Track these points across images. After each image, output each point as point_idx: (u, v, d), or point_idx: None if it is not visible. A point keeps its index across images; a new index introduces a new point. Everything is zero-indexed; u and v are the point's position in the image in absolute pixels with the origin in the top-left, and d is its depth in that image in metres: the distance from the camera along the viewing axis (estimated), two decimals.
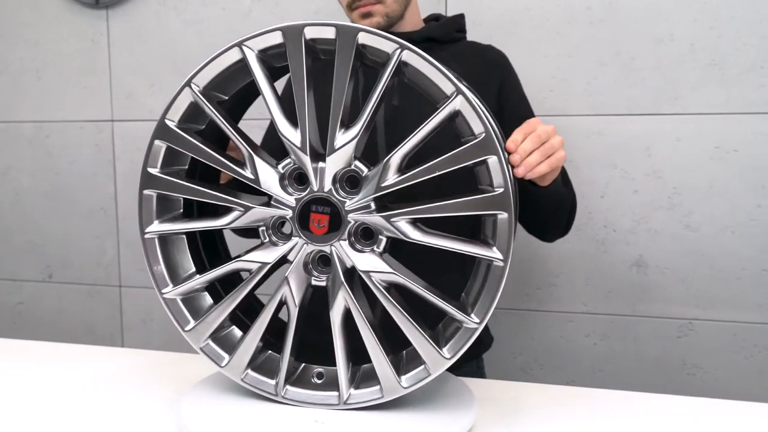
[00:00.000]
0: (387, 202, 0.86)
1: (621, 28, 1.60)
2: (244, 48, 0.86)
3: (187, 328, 0.92)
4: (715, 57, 1.56)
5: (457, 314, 0.83)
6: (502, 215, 0.79)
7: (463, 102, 0.79)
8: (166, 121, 0.90)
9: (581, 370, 1.73)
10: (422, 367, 0.85)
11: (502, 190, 0.79)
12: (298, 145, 0.84)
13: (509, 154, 0.84)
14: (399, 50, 0.80)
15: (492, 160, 0.79)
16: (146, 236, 0.92)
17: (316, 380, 0.91)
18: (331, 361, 0.90)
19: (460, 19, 1.31)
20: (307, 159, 0.84)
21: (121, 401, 0.99)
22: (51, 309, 2.12)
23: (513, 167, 0.84)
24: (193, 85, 0.89)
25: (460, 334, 0.83)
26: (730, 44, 1.55)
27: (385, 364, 0.85)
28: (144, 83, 1.93)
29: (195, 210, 0.98)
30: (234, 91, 0.92)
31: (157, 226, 0.92)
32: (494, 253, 0.81)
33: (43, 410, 0.96)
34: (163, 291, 0.92)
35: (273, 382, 0.90)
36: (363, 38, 0.81)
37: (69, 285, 2.09)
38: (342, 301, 0.85)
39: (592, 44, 1.63)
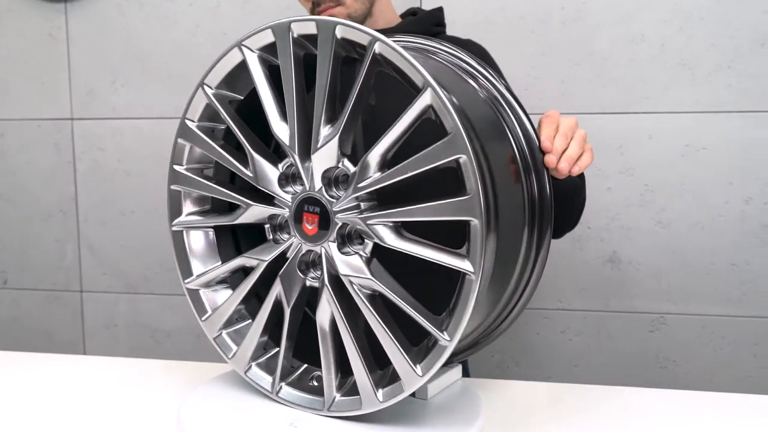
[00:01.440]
0: (379, 204, 0.81)
1: (594, 28, 1.63)
2: (243, 48, 0.84)
3: (203, 318, 0.94)
4: (685, 57, 1.60)
5: (432, 330, 0.76)
6: (474, 222, 0.71)
7: (433, 96, 0.73)
8: (186, 121, 0.91)
9: (557, 366, 1.74)
10: (399, 382, 0.79)
11: (472, 193, 0.71)
12: (287, 143, 0.82)
13: (544, 154, 0.82)
14: (373, 42, 0.76)
15: (463, 160, 0.71)
16: (173, 228, 0.96)
17: (313, 383, 0.89)
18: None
19: (438, 12, 1.29)
20: (296, 157, 0.82)
21: (119, 413, 0.96)
22: (6, 316, 2.02)
23: (548, 167, 0.81)
24: (205, 86, 0.88)
25: (435, 351, 0.77)
26: (699, 45, 1.59)
27: (364, 374, 0.80)
28: (106, 80, 1.86)
29: (227, 207, 0.99)
30: (249, 90, 0.91)
31: (182, 219, 0.95)
32: (465, 265, 0.73)
33: (34, 425, 0.92)
34: (185, 281, 0.95)
35: (271, 379, 0.90)
36: (340, 31, 0.78)
37: (26, 291, 1.99)
38: (326, 304, 0.83)
39: (566, 44, 1.64)
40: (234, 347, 0.93)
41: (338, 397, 0.84)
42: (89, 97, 1.87)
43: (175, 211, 0.96)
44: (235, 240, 1.01)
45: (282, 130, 0.83)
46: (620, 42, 1.62)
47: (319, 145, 0.79)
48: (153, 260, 1.91)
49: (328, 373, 0.84)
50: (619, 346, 1.71)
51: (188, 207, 0.96)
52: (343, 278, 0.80)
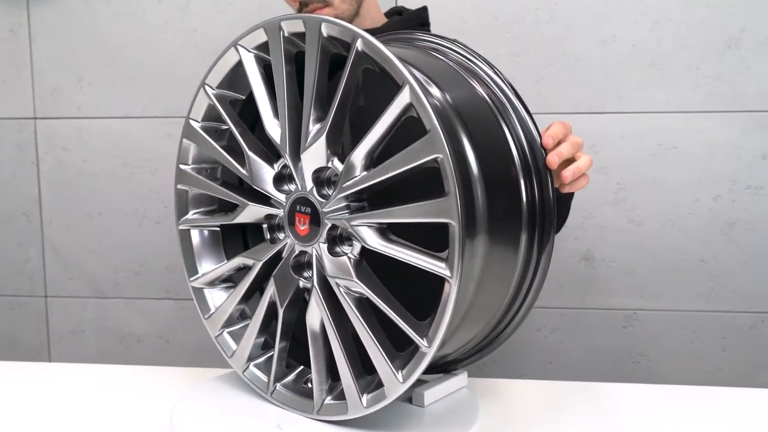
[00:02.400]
0: (369, 205, 0.79)
1: (567, 29, 1.64)
2: (239, 47, 0.83)
3: (206, 316, 0.95)
4: (655, 58, 1.63)
5: (412, 335, 0.74)
6: (452, 225, 0.68)
7: (412, 93, 0.70)
8: (190, 120, 0.91)
9: (532, 364, 1.76)
10: (383, 388, 0.77)
11: (449, 195, 0.68)
12: (279, 142, 0.81)
13: (546, 151, 0.81)
14: (356, 38, 0.74)
15: (440, 160, 0.69)
16: (180, 227, 0.96)
17: (308, 385, 0.88)
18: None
19: (423, 12, 1.29)
20: (287, 157, 0.81)
21: (88, 422, 0.93)
22: None
23: (549, 168, 0.81)
24: (206, 86, 0.88)
25: (416, 358, 0.74)
26: (668, 46, 1.62)
27: (350, 379, 0.79)
28: (71, 78, 1.80)
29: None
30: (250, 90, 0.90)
31: (189, 218, 0.96)
32: (443, 269, 0.70)
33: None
34: (190, 279, 0.96)
35: (267, 379, 0.89)
36: (326, 29, 0.77)
37: None
38: (316, 306, 0.82)
39: (540, 44, 1.66)
40: (234, 347, 0.93)
41: (327, 400, 0.83)
42: (53, 96, 1.81)
43: (181, 209, 0.97)
44: (244, 240, 1.02)
45: (275, 130, 0.82)
46: (593, 42, 1.64)
47: (307, 144, 0.78)
48: (121, 263, 1.85)
49: (318, 376, 0.83)
50: (593, 342, 1.73)
51: (195, 206, 0.98)
52: (330, 280, 0.79)
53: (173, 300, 1.86)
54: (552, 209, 0.81)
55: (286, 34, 0.80)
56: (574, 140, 0.87)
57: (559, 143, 0.85)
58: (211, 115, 0.92)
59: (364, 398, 0.78)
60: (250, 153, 0.84)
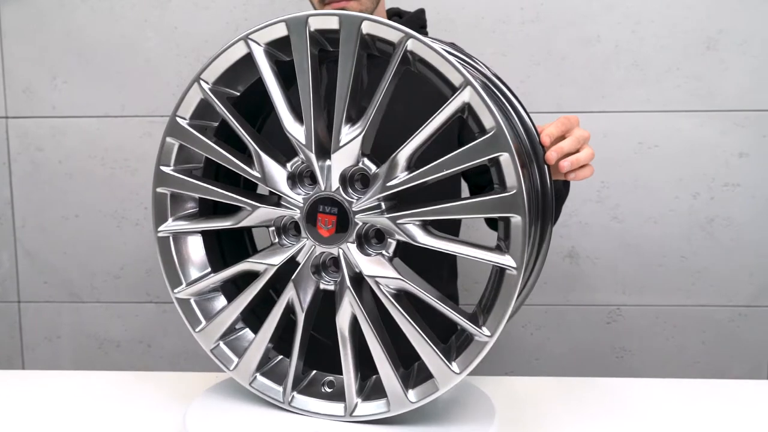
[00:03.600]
0: (399, 203, 0.81)
1: (552, 29, 1.66)
2: (249, 42, 0.80)
3: (197, 329, 0.90)
4: (637, 58, 1.66)
5: (468, 326, 0.77)
6: (515, 218, 0.74)
7: (472, 94, 0.73)
8: (177, 118, 0.86)
9: (518, 360, 1.78)
10: (431, 380, 0.80)
11: (514, 190, 0.73)
12: (303, 141, 0.80)
13: (544, 149, 0.83)
14: (405, 39, 0.75)
15: (504, 158, 0.73)
16: (159, 234, 0.91)
17: (326, 389, 0.87)
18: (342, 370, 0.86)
19: (421, 15, 1.29)
20: (312, 156, 0.79)
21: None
22: None
23: (548, 163, 0.82)
24: (201, 81, 0.84)
25: (471, 348, 0.78)
26: (650, 46, 1.65)
27: (393, 376, 0.80)
28: (45, 76, 1.74)
29: (212, 209, 0.95)
30: (246, 87, 0.87)
31: (170, 225, 0.90)
32: (507, 260, 0.75)
33: None
34: (175, 291, 0.90)
35: (280, 388, 0.87)
36: (367, 27, 0.76)
37: None
38: (348, 306, 0.81)
39: (525, 44, 1.67)
40: (234, 358, 0.90)
41: (360, 402, 0.83)
42: (26, 95, 1.74)
43: (161, 215, 0.92)
44: (220, 246, 0.97)
45: (296, 129, 0.80)
46: (577, 43, 1.66)
47: (341, 144, 0.77)
48: (99, 267, 1.80)
49: (348, 377, 0.82)
50: (577, 338, 1.76)
51: (174, 211, 0.92)
52: (368, 279, 0.79)
53: (154, 303, 1.81)
54: (551, 201, 0.84)
55: (312, 29, 0.78)
56: (579, 134, 0.88)
57: (558, 139, 0.87)
58: (201, 113, 0.87)
59: (411, 392, 0.79)
60: (262, 153, 0.82)
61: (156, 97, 1.73)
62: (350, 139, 0.77)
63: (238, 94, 0.89)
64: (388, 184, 0.77)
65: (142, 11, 1.71)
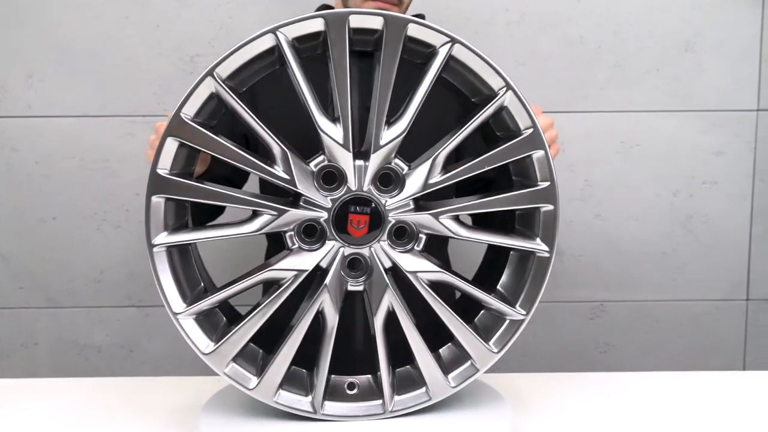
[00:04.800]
0: (425, 200, 0.84)
1: (536, 30, 1.69)
2: (279, 35, 0.78)
3: (206, 351, 0.82)
4: (619, 59, 1.70)
5: (505, 307, 0.85)
6: (547, 207, 0.84)
7: (512, 97, 0.81)
8: (182, 116, 0.80)
9: (506, 357, 1.79)
10: (468, 364, 0.85)
11: (548, 183, 0.83)
12: (341, 141, 0.79)
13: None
14: (449, 44, 0.79)
15: (538, 155, 0.83)
16: (155, 249, 0.81)
17: (348, 391, 0.86)
18: (355, 370, 0.87)
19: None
20: (349, 156, 0.79)
21: None
22: None
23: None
24: (215, 76, 0.79)
25: (506, 327, 0.86)
26: (630, 48, 1.69)
27: (433, 365, 0.84)
28: (20, 74, 1.68)
29: (192, 218, 0.89)
30: (250, 85, 0.85)
31: (167, 237, 0.81)
32: (539, 245, 0.85)
33: None
34: (177, 312, 0.81)
35: (308, 399, 0.84)
36: (411, 30, 0.78)
37: None
38: (386, 304, 0.82)
39: (510, 44, 1.69)
40: (253, 377, 0.83)
41: (396, 396, 0.85)
42: (0, 94, 1.68)
43: (158, 225, 0.81)
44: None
45: (331, 128, 0.79)
46: (561, 44, 1.69)
47: (382, 143, 0.78)
48: (78, 271, 1.75)
49: (384, 374, 0.84)
50: (563, 334, 1.79)
51: (168, 221, 0.83)
52: (409, 274, 0.82)
53: (136, 307, 1.77)
54: None
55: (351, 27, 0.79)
56: (545, 121, 0.95)
57: None
58: (206, 110, 0.82)
59: (450, 378, 0.84)
60: (290, 153, 0.80)
61: (137, 96, 1.69)
62: (391, 139, 0.78)
63: (242, 90, 0.85)
64: (431, 181, 0.80)
65: (123, 8, 1.67)
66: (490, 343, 0.85)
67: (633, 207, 1.74)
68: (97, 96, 1.69)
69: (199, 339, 0.82)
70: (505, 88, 0.81)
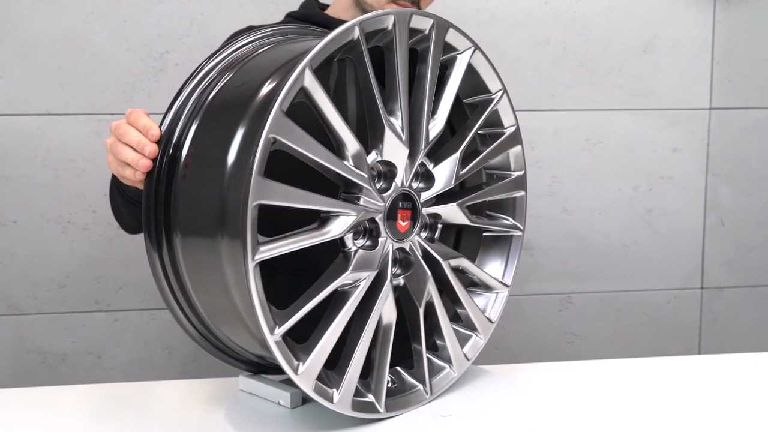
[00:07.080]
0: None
1: (505, 30, 1.74)
2: (358, 30, 0.75)
3: (300, 371, 0.73)
4: (584, 60, 1.77)
5: (496, 281, 0.97)
6: (520, 193, 0.98)
7: (504, 99, 0.93)
8: (282, 112, 0.70)
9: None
10: (473, 337, 0.94)
11: (522, 172, 0.97)
12: (403, 137, 0.81)
13: None
14: (472, 50, 0.88)
15: (516, 149, 0.96)
16: (254, 261, 0.69)
17: (390, 386, 0.86)
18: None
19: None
20: (406, 153, 0.81)
21: None
22: None
23: None
24: (309, 69, 0.72)
25: (497, 301, 0.97)
26: (595, 49, 1.77)
27: (457, 344, 0.91)
28: None
29: None
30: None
31: (267, 250, 0.70)
32: (514, 225, 0.99)
33: None
34: (275, 333, 0.71)
35: (371, 400, 0.81)
36: (450, 36, 0.85)
37: None
38: (427, 294, 0.87)
39: (481, 45, 1.72)
40: (331, 390, 0.77)
41: (430, 380, 0.88)
42: None
43: (253, 238, 0.68)
44: None
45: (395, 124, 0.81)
46: (529, 44, 1.75)
47: (430, 141, 0.82)
48: (42, 276, 1.68)
49: (422, 362, 0.87)
50: (532, 326, 1.85)
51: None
52: (444, 264, 0.86)
53: (104, 312, 1.72)
54: None
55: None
56: None
57: None
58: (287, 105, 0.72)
59: (465, 350, 0.92)
60: (364, 152, 0.78)
61: (104, 93, 1.64)
62: (435, 135, 0.81)
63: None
64: (459, 174, 0.88)
65: (89, 2, 1.61)
66: (487, 314, 0.96)
67: (597, 202, 1.82)
68: (61, 94, 1.63)
69: (289, 360, 0.73)
70: (501, 91, 0.93)
